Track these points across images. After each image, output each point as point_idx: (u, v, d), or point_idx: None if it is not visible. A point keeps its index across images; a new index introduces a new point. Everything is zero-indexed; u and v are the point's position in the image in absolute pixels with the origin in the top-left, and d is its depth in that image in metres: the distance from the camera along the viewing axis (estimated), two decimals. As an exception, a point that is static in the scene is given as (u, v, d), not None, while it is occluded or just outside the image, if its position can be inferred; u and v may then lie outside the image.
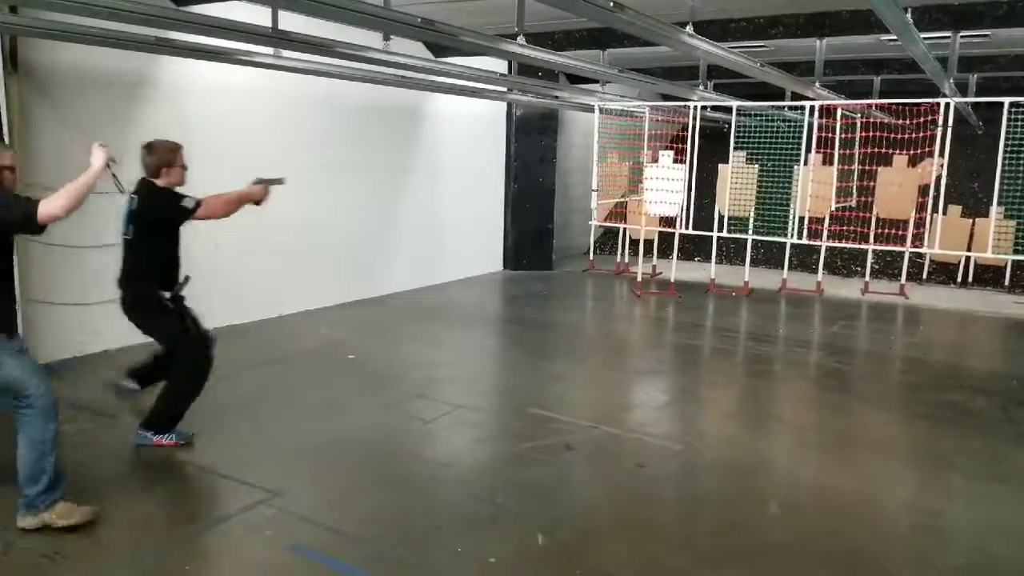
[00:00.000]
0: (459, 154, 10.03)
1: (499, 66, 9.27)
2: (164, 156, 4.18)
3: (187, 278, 4.32)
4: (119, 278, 4.26)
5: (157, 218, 4.17)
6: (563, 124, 11.76)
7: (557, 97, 9.85)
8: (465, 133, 10.09)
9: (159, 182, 4.18)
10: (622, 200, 11.18)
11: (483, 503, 3.86)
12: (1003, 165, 7.72)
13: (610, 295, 10.10)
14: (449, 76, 7.09)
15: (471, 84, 8.23)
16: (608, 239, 13.28)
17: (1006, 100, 7.57)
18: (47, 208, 3.23)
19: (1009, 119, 7.70)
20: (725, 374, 6.68)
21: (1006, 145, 7.72)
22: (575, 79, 10.31)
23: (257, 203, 4.40)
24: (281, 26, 5.25)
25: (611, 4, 3.93)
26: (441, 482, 4.17)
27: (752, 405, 5.84)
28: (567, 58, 6.36)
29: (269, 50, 6.09)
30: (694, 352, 7.30)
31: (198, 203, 4.13)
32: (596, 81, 9.55)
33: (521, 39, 5.29)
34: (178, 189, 4.23)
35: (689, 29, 5.01)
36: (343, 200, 8.28)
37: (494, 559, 3.30)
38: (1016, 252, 9.43)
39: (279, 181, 4.43)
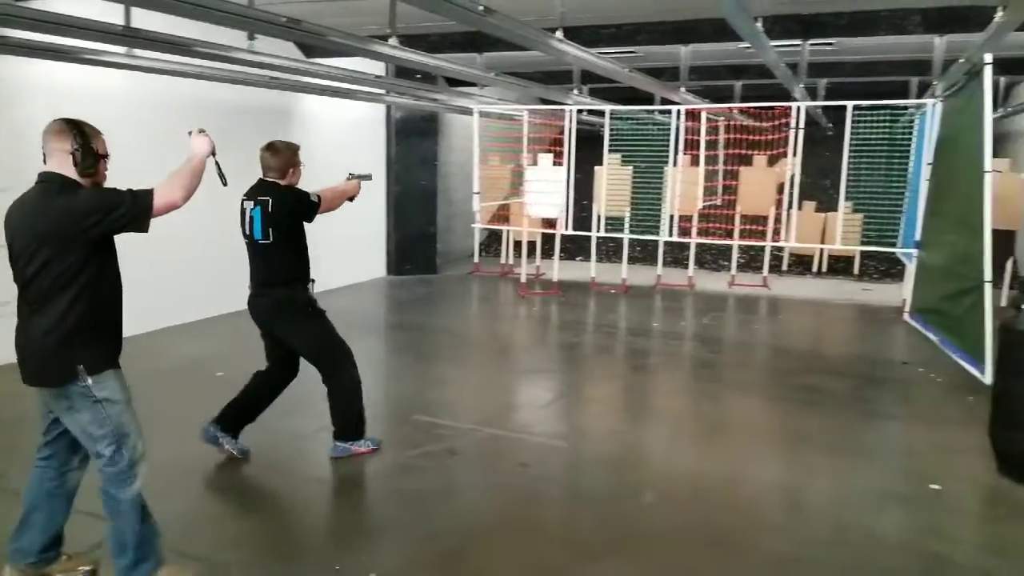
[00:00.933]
0: (336, 157, 9.79)
1: (376, 68, 9.16)
2: (289, 156, 4.22)
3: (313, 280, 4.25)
4: (259, 285, 4.19)
5: (296, 219, 4.18)
6: (444, 126, 11.76)
7: (436, 100, 9.85)
8: (342, 135, 9.89)
9: (283, 182, 4.20)
10: (505, 202, 11.30)
11: (364, 516, 3.81)
12: (848, 163, 8.34)
13: (495, 297, 10.19)
14: (322, 77, 6.94)
15: (346, 86, 8.09)
16: (493, 241, 13.40)
17: (849, 103, 8.19)
18: (167, 198, 2.83)
19: (853, 120, 8.33)
20: (606, 369, 6.88)
21: (851, 144, 8.35)
22: (454, 82, 10.35)
23: (351, 199, 4.51)
24: (136, 24, 4.98)
25: (480, 8, 3.97)
26: (320, 498, 4.07)
27: (632, 398, 6.06)
28: (442, 61, 6.38)
29: (121, 49, 5.75)
30: (577, 349, 7.48)
31: (319, 198, 4.19)
32: (474, 84, 9.62)
33: (393, 40, 5.25)
34: None
35: (559, 34, 5.13)
36: (210, 207, 7.89)
37: (375, 574, 3.26)
38: (864, 243, 10.21)
39: (368, 177, 4.53)
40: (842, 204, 8.57)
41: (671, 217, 9.55)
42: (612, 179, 9.95)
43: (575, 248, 12.53)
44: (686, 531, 3.72)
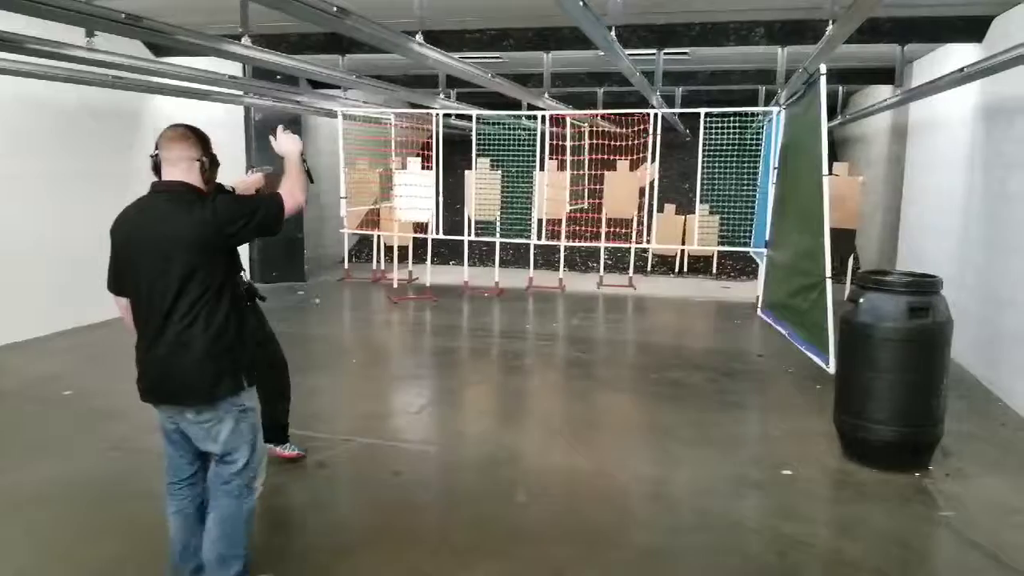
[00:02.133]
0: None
1: (233, 68, 8.76)
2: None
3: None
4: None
5: None
6: (309, 129, 11.41)
7: (299, 102, 9.54)
8: (198, 139, 9.38)
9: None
10: (374, 207, 11.09)
11: (225, 538, 3.60)
12: (703, 167, 8.77)
13: (367, 303, 9.98)
14: (172, 77, 6.55)
15: (201, 86, 7.68)
16: (364, 247, 13.14)
17: (702, 111, 8.62)
18: (295, 199, 2.78)
19: (706, 127, 8.77)
20: (480, 372, 6.88)
21: (705, 150, 8.79)
22: (318, 84, 10.06)
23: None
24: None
25: (334, 8, 3.85)
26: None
27: (505, 400, 6.08)
28: (303, 62, 6.17)
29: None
30: (451, 354, 7.44)
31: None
32: (338, 87, 9.39)
33: (246, 40, 5.02)
34: None
35: (419, 38, 5.08)
36: (56, 214, 7.31)
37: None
38: (720, 244, 10.78)
39: (268, 168, 4.12)
40: (698, 207, 8.99)
41: (540, 221, 9.70)
42: (482, 183, 10.00)
43: (448, 252, 12.50)
44: (559, 528, 3.76)
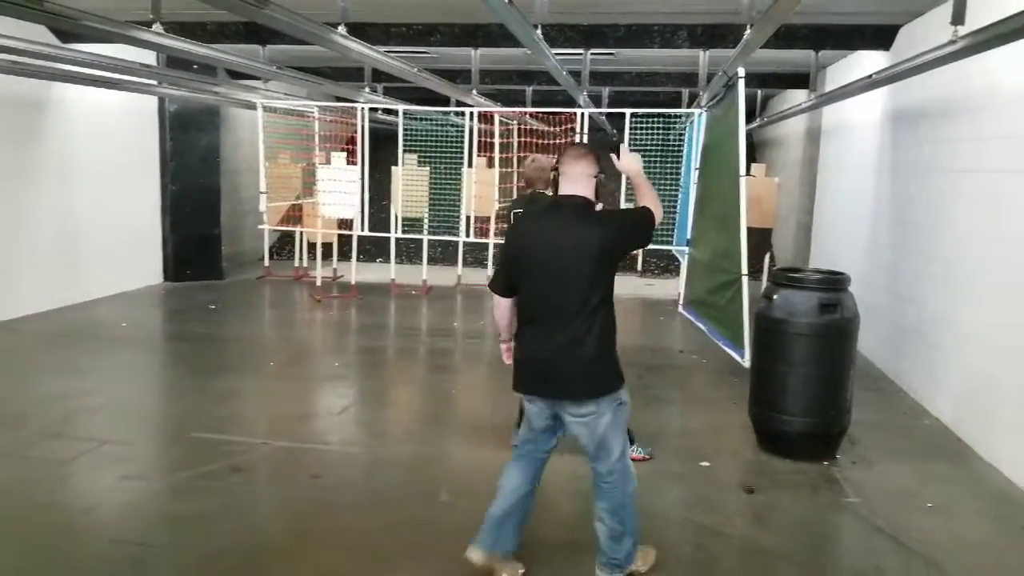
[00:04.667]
0: (99, 152, 8.83)
1: (147, 56, 8.40)
2: (547, 172, 4.09)
3: None
4: None
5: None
6: (228, 121, 11.06)
7: (217, 93, 9.23)
8: (106, 128, 8.90)
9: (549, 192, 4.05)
10: (297, 202, 10.83)
11: (128, 547, 3.44)
12: (629, 167, 8.88)
13: (288, 302, 9.74)
14: (79, 64, 6.23)
15: (113, 76, 7.33)
16: (286, 243, 12.82)
17: (628, 111, 8.73)
18: (659, 214, 3.03)
19: (632, 127, 8.89)
20: (405, 372, 6.80)
21: (630, 150, 8.89)
22: (238, 74, 9.76)
23: None
24: None
25: (250, -4, 3.73)
26: (78, 531, 3.63)
27: (430, 399, 6.02)
28: (220, 52, 5.96)
29: None
30: (376, 353, 7.33)
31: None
32: (258, 78, 9.13)
33: (158, 27, 4.82)
34: None
35: (342, 30, 4.97)
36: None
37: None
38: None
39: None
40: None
41: (469, 218, 9.65)
42: (409, 179, 9.88)
43: (375, 250, 12.30)
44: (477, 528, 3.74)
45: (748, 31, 4.68)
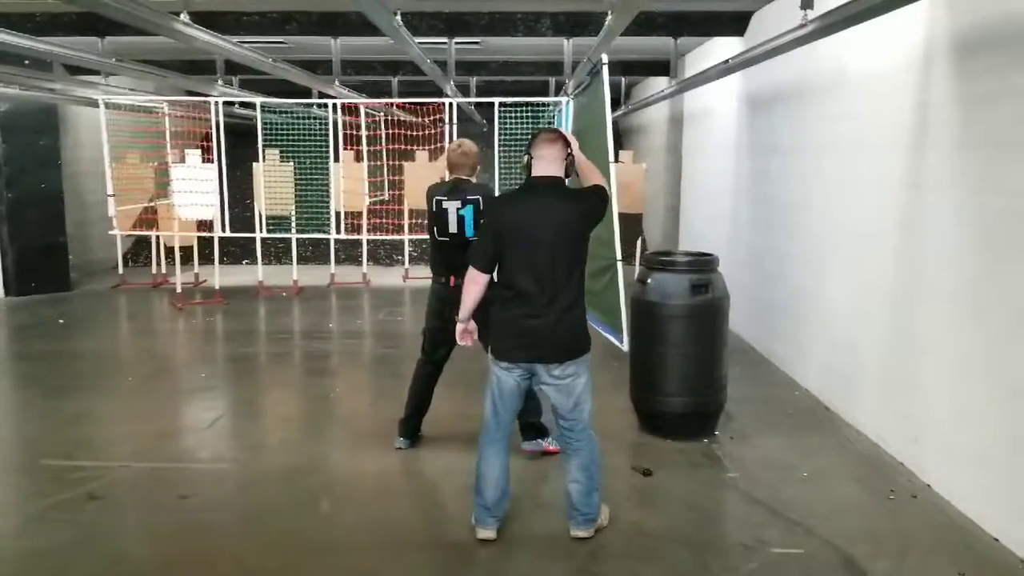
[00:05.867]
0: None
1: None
2: (478, 156, 4.35)
3: None
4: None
5: None
6: (68, 121, 10.18)
7: (53, 90, 8.44)
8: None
9: (474, 180, 4.32)
10: (150, 205, 10.09)
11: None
12: (500, 157, 8.84)
13: (147, 312, 9.08)
14: None
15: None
16: (143, 249, 11.96)
17: (496, 100, 8.68)
18: (608, 191, 3.43)
19: (500, 117, 8.84)
20: (279, 378, 6.48)
21: (500, 139, 8.87)
22: (77, 69, 8.97)
23: None
24: None
25: (74, -21, 3.36)
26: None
27: (306, 404, 5.76)
28: (53, 44, 5.41)
29: None
30: (246, 361, 6.92)
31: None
32: (98, 72, 8.43)
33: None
34: None
35: (184, 17, 4.60)
36: None
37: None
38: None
39: None
40: (497, 195, 9.05)
41: (340, 214, 9.31)
42: (272, 176, 9.41)
43: (241, 252, 11.72)
44: (366, 535, 3.59)
45: (609, 17, 4.70)
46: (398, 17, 4.82)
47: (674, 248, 9.26)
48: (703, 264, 4.67)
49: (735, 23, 7.43)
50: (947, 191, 3.94)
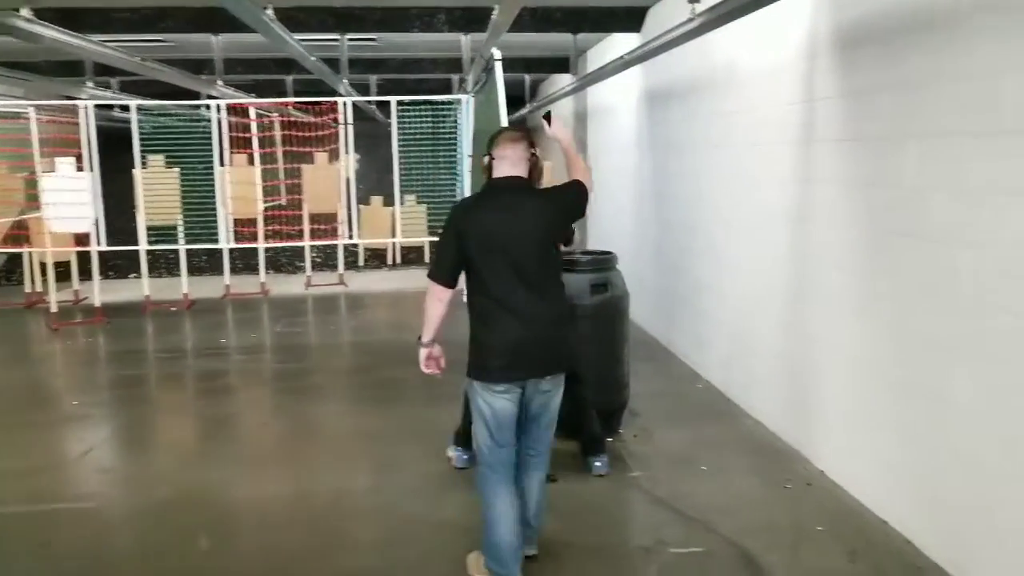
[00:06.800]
0: None
1: None
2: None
3: None
4: None
5: None
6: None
7: None
8: None
9: None
10: (21, 219, 9.29)
11: None
12: (400, 157, 8.51)
13: (18, 334, 8.35)
14: None
15: None
16: (15, 267, 11.04)
17: (393, 99, 8.36)
18: (591, 185, 3.14)
19: (401, 116, 8.53)
20: (162, 402, 6.02)
21: (401, 139, 8.54)
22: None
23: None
24: None
25: None
26: None
27: (192, 429, 5.36)
28: None
29: None
30: (127, 385, 6.38)
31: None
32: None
33: None
34: None
35: (26, 12, 4.13)
36: None
37: None
38: (430, 233, 10.66)
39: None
40: (398, 197, 8.73)
41: (230, 222, 8.79)
42: (155, 183, 8.80)
43: (129, 265, 10.98)
44: (249, 570, 3.30)
45: (495, 12, 4.50)
46: (270, 11, 4.47)
47: (583, 245, 9.17)
48: (601, 263, 4.57)
49: (632, 19, 7.37)
50: (835, 185, 3.94)
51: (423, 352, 3.11)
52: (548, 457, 3.19)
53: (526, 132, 3.13)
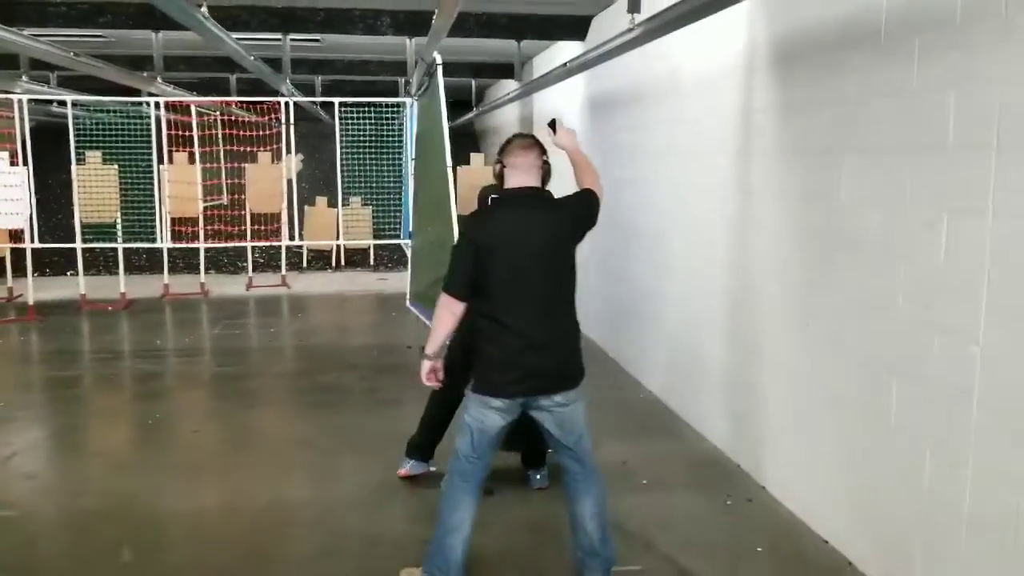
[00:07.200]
0: None
1: None
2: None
3: None
4: None
5: None
6: None
7: None
8: None
9: None
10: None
11: None
12: (343, 158, 8.48)
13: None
14: None
15: None
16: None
17: (336, 100, 8.33)
18: (601, 193, 3.12)
19: (345, 117, 8.50)
20: (95, 405, 5.89)
21: (345, 140, 8.51)
22: None
23: None
24: None
25: None
26: None
27: (123, 436, 5.25)
28: None
29: None
30: (57, 386, 6.24)
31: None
32: None
33: None
34: None
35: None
36: None
37: None
38: (375, 236, 10.63)
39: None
40: (340, 198, 8.70)
41: (169, 220, 8.64)
42: (93, 180, 8.60)
43: (65, 262, 10.68)
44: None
45: (435, 17, 4.54)
46: (204, 8, 4.42)
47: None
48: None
49: (576, 27, 7.47)
50: (775, 198, 3.96)
51: (427, 365, 3.03)
52: (600, 477, 3.08)
53: (538, 139, 3.10)
